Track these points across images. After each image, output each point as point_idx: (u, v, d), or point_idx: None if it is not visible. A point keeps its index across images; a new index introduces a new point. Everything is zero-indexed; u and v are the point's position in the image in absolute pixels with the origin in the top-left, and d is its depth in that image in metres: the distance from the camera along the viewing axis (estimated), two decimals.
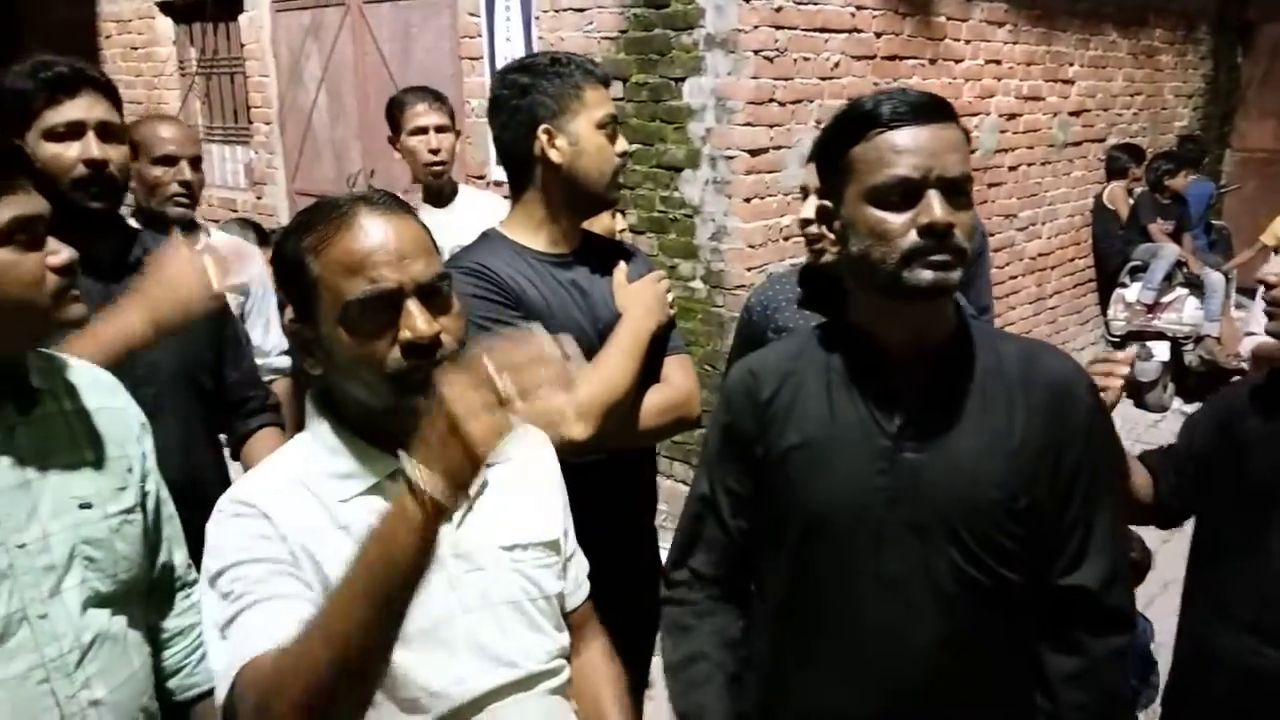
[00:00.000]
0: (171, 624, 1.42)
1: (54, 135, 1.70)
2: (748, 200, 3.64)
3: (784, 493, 1.34)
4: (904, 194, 1.19)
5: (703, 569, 1.45)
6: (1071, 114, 5.55)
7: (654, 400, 1.83)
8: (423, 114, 3.00)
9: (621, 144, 1.79)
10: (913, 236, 1.19)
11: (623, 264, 1.86)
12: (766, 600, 1.43)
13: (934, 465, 1.24)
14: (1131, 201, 5.95)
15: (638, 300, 1.81)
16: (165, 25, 6.17)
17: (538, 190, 1.76)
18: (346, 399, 1.16)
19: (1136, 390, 5.61)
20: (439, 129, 3.01)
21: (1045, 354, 1.33)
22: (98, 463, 1.27)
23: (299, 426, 3.01)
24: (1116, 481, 1.34)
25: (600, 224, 2.58)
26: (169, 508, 1.41)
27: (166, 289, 1.67)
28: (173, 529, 1.42)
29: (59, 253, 1.20)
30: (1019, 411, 1.25)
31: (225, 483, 2.09)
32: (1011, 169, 5.14)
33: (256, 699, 0.97)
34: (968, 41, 4.59)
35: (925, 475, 1.25)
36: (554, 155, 1.71)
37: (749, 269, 3.69)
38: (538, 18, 4.09)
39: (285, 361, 2.89)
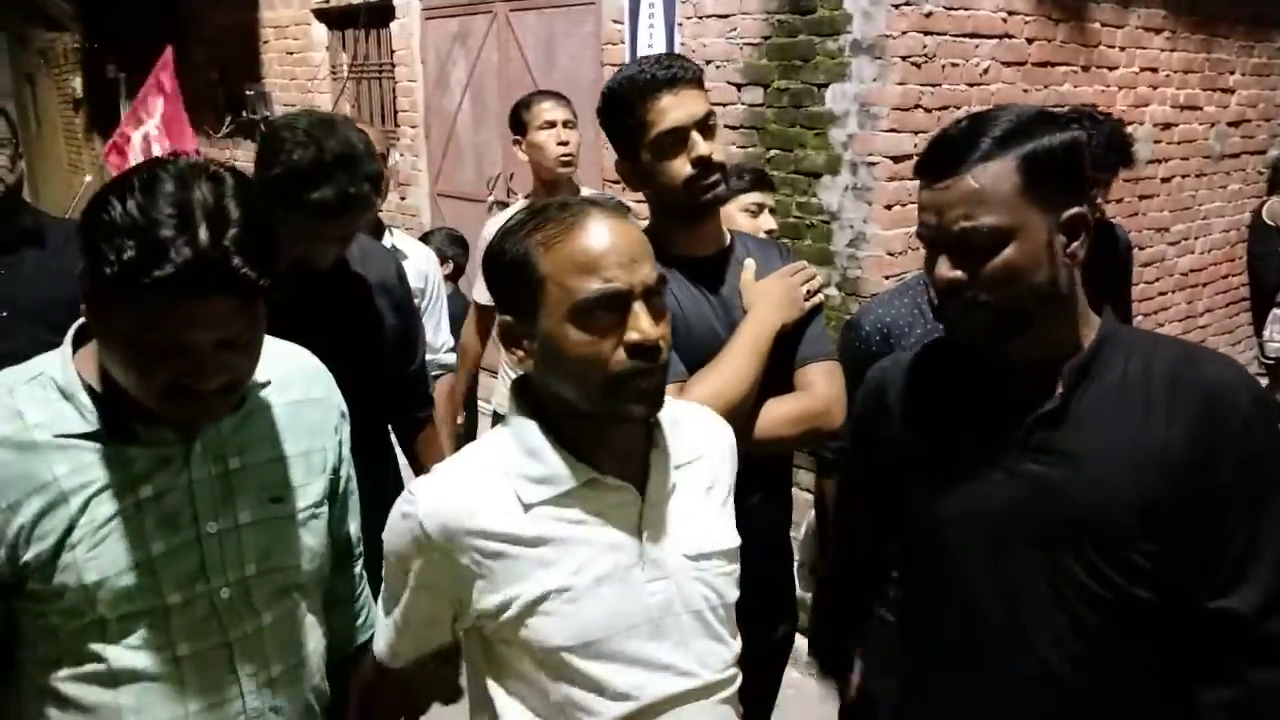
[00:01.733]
0: (343, 590, 1.51)
1: None
2: (889, 207, 3.60)
3: (912, 498, 1.34)
4: None
5: (865, 509, 1.50)
6: (1230, 124, 5.29)
7: (788, 409, 1.76)
8: (550, 110, 3.09)
9: (705, 147, 1.70)
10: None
11: (750, 261, 1.82)
12: (902, 600, 1.45)
13: (1058, 476, 1.21)
14: None
15: (765, 296, 1.76)
16: (320, 31, 6.46)
17: (653, 196, 1.80)
18: (553, 397, 1.18)
19: None
20: (566, 124, 3.08)
21: (1203, 359, 1.26)
22: (294, 457, 1.33)
23: (454, 421, 3.12)
24: None
25: (748, 224, 2.58)
26: (353, 483, 1.48)
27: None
28: (353, 503, 1.49)
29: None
30: (1159, 420, 1.19)
31: (395, 472, 2.24)
32: (1164, 180, 4.94)
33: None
34: (1123, 48, 4.43)
35: (1048, 486, 1.21)
36: (624, 167, 1.77)
37: (887, 277, 3.65)
38: (681, 24, 4.13)
39: (452, 359, 3.02)
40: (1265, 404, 1.23)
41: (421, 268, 2.90)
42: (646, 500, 1.19)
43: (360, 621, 1.55)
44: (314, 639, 1.37)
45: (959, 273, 1.19)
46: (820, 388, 1.79)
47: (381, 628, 1.30)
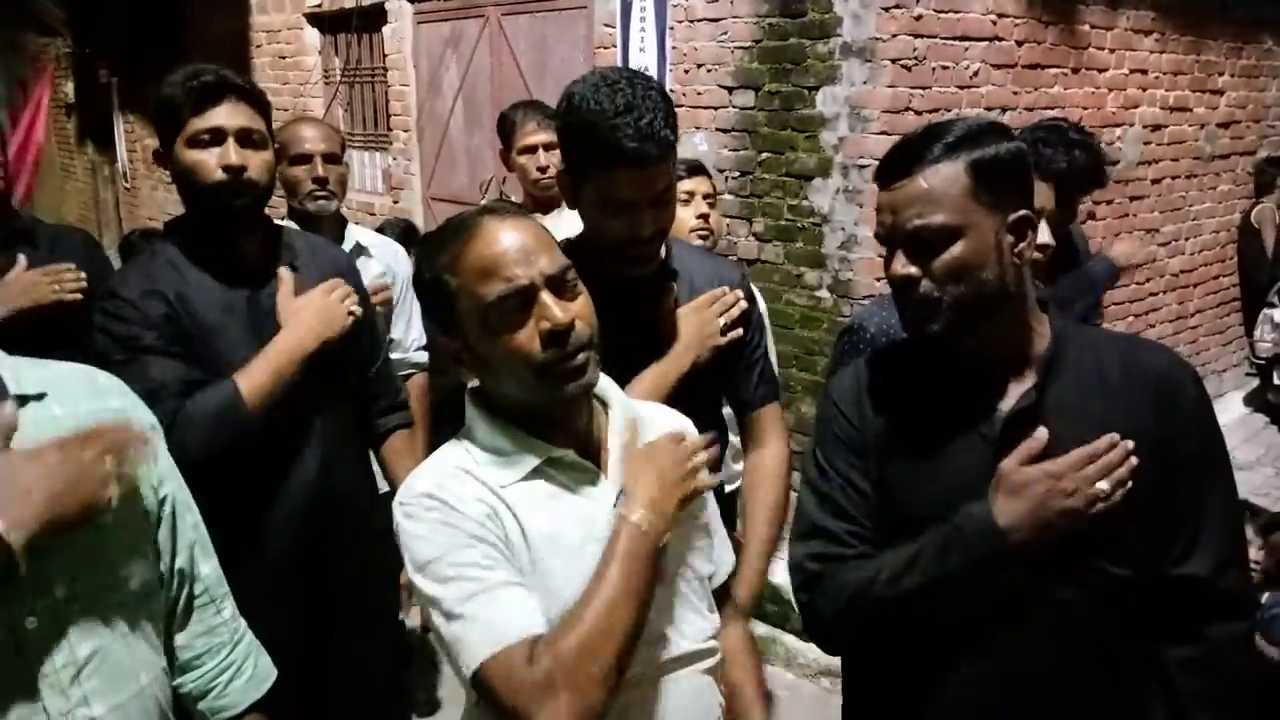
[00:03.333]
0: (197, 642, 1.34)
1: (197, 142, 1.80)
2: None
3: (889, 499, 1.38)
4: None
5: (827, 551, 1.44)
6: (1220, 125, 5.32)
7: (776, 497, 1.82)
8: (531, 133, 3.05)
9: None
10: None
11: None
12: None
13: None
14: None
15: (681, 333, 1.68)
16: (312, 36, 6.46)
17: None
18: (504, 398, 1.24)
19: None
20: (547, 146, 3.07)
21: (1145, 350, 1.38)
22: None
23: (429, 422, 3.10)
24: (1227, 468, 1.36)
25: (680, 213, 2.53)
26: (192, 516, 1.34)
27: (311, 322, 1.84)
28: (197, 537, 1.34)
29: None
30: (1121, 410, 1.29)
31: (372, 482, 2.17)
32: (1155, 182, 4.96)
33: (555, 667, 1.08)
34: (1112, 50, 4.45)
35: None
36: (567, 200, 1.67)
37: (878, 279, 3.66)
38: (672, 28, 4.14)
39: (423, 357, 3.00)
40: (1201, 384, 1.37)
41: (388, 262, 2.89)
42: (610, 476, 1.24)
43: (238, 677, 1.36)
44: (148, 675, 1.23)
45: (912, 268, 1.28)
46: (777, 444, 1.86)
47: (509, 613, 1.12)
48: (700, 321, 1.72)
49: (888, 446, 1.37)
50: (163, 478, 1.29)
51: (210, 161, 1.80)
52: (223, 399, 1.76)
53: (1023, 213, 1.29)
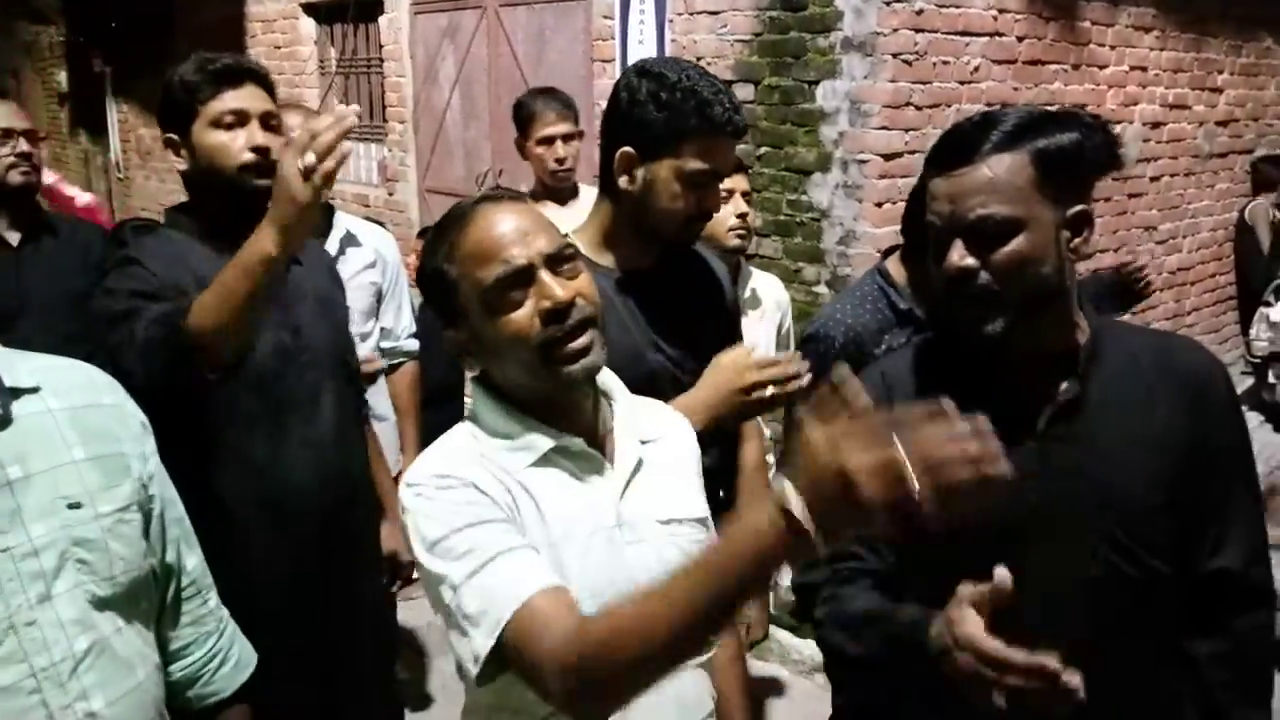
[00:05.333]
0: (185, 632, 1.35)
1: (220, 124, 1.79)
2: (879, 205, 3.59)
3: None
4: None
5: (849, 564, 1.45)
6: (1219, 124, 5.32)
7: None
8: (551, 124, 3.05)
9: (723, 203, 1.67)
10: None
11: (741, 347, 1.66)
12: (916, 599, 1.44)
13: (1084, 461, 1.27)
14: (1277, 215, 5.66)
15: (709, 386, 1.61)
16: (308, 26, 6.42)
17: (611, 203, 1.65)
18: (507, 384, 1.23)
19: (1278, 415, 5.35)
20: (565, 138, 3.06)
21: (1178, 345, 1.39)
22: (87, 460, 1.19)
23: (418, 409, 3.09)
24: (1252, 461, 1.37)
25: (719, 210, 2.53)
26: (175, 510, 1.35)
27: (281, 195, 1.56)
28: (182, 531, 1.35)
29: None
30: (1159, 406, 1.29)
31: (365, 470, 2.14)
32: (1153, 179, 4.96)
33: (585, 648, 1.00)
34: (1113, 47, 4.44)
35: (1075, 472, 1.27)
36: (622, 182, 1.59)
37: None
38: (671, 20, 4.12)
39: (414, 344, 2.98)
40: (1231, 382, 1.38)
41: (379, 249, 2.87)
42: (615, 467, 1.24)
43: (224, 664, 1.38)
44: (144, 670, 1.23)
45: (971, 260, 1.23)
46: (754, 441, 1.89)
47: (509, 581, 1.09)
48: (724, 386, 1.60)
49: None
50: (152, 475, 1.30)
51: (236, 143, 1.78)
52: (159, 314, 1.61)
53: (1081, 207, 1.25)
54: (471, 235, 1.19)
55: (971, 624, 1.12)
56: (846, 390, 0.91)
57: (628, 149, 1.58)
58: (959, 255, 1.23)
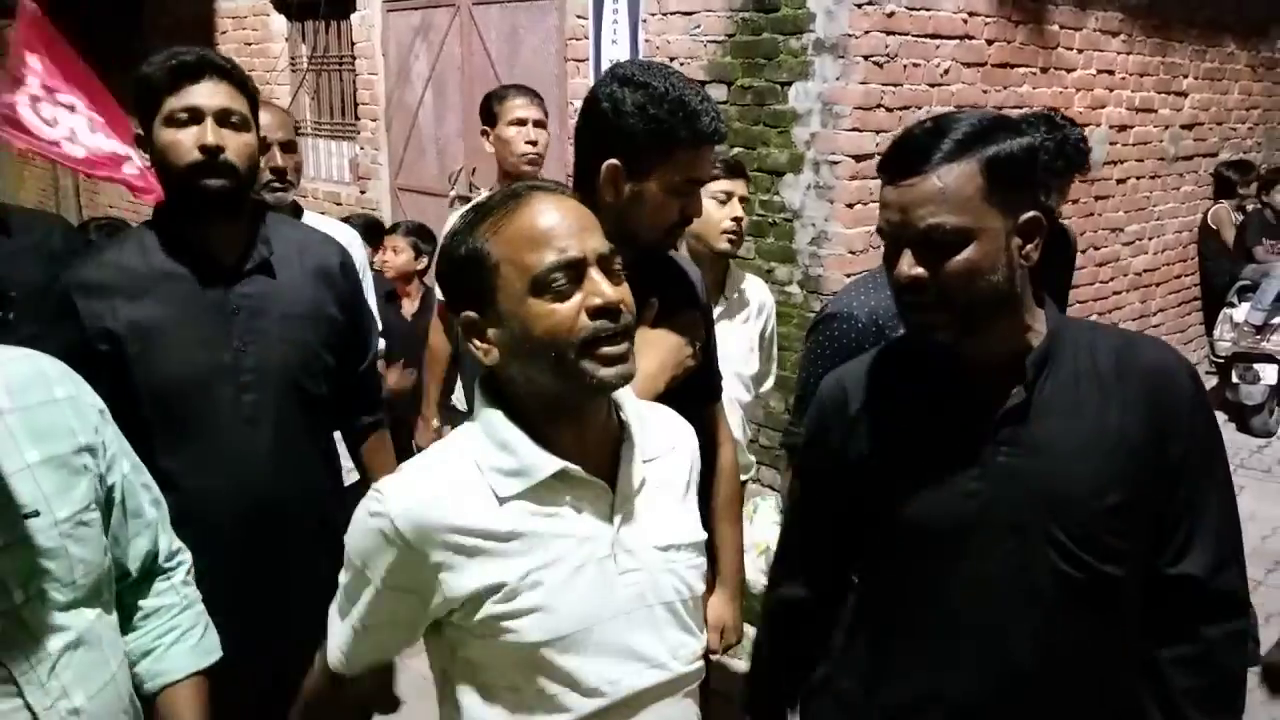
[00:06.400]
0: (147, 603, 1.35)
1: (174, 121, 1.74)
2: (850, 206, 3.62)
3: (879, 502, 1.36)
4: None
5: (802, 573, 1.51)
6: (1184, 127, 5.39)
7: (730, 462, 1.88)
8: (521, 106, 3.05)
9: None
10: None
11: (654, 301, 1.67)
12: (864, 601, 1.47)
13: (1029, 468, 1.26)
14: (1240, 219, 5.76)
15: (652, 356, 1.62)
16: (279, 22, 6.37)
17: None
18: (522, 385, 1.17)
19: (1241, 414, 5.43)
20: (537, 123, 3.05)
21: (1142, 345, 1.34)
22: (41, 463, 1.17)
23: (388, 410, 3.06)
24: (1224, 466, 1.33)
25: (716, 212, 2.56)
26: (152, 492, 1.34)
27: None
28: (157, 513, 1.35)
29: None
30: (1114, 407, 1.26)
31: (335, 486, 2.10)
32: (1120, 182, 5.02)
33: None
34: (1080, 50, 4.49)
35: (1020, 479, 1.26)
36: (607, 194, 1.57)
37: (848, 274, 3.66)
38: (645, 20, 4.13)
39: (380, 344, 2.97)
40: (1199, 381, 1.33)
41: (346, 248, 2.85)
42: (618, 493, 1.19)
43: (181, 642, 1.37)
44: (115, 661, 1.24)
45: (921, 270, 1.23)
46: (726, 445, 1.94)
47: (337, 634, 1.24)
48: (675, 342, 1.67)
49: (881, 455, 1.34)
50: (111, 463, 1.27)
51: (186, 141, 1.73)
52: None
53: (1032, 214, 1.25)
54: (525, 218, 1.14)
55: None
56: None
57: (614, 162, 1.55)
58: (908, 265, 1.23)
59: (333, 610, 1.26)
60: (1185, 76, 5.26)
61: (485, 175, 4.82)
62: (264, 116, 2.67)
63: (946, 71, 3.83)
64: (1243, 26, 5.57)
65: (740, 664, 3.39)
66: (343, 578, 1.22)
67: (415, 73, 5.47)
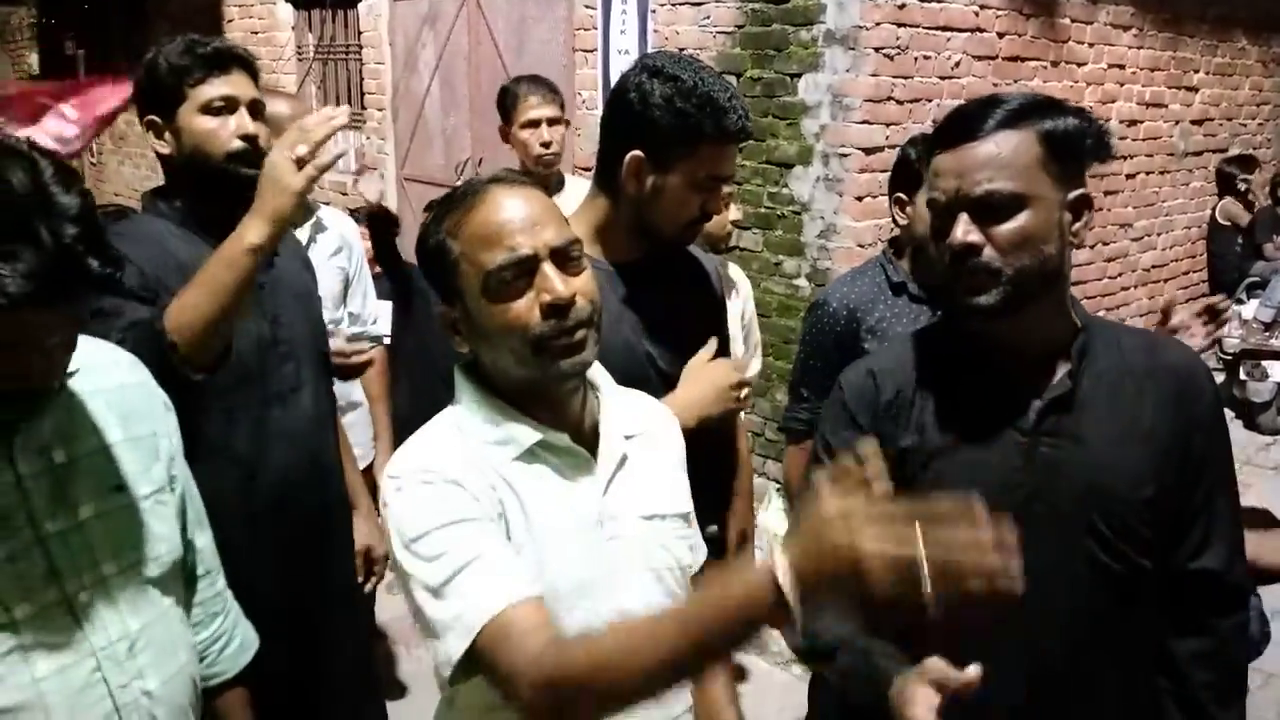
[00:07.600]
0: (197, 612, 1.36)
1: (209, 109, 1.75)
2: (859, 199, 3.61)
3: (917, 492, 1.33)
4: None
5: None
6: (1194, 122, 5.37)
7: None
8: (535, 107, 3.03)
9: (727, 210, 1.64)
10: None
11: (712, 343, 1.66)
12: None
13: (1071, 459, 1.27)
14: (1247, 216, 5.74)
15: (693, 393, 1.61)
16: (286, 11, 6.36)
17: (608, 199, 1.63)
18: (495, 372, 1.21)
19: (1249, 411, 5.42)
20: (551, 121, 3.03)
21: (1166, 344, 1.39)
22: (125, 442, 1.22)
23: (390, 396, 3.06)
24: (1232, 464, 1.37)
25: (717, 217, 2.57)
26: (193, 488, 1.37)
27: (269, 184, 1.55)
28: (195, 511, 1.37)
29: None
30: (1147, 402, 1.28)
31: (338, 462, 2.12)
32: (1129, 177, 5.00)
33: (559, 669, 0.99)
34: (1091, 45, 4.47)
35: (1063, 469, 1.27)
36: (629, 185, 1.57)
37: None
38: (654, 11, 4.11)
39: (382, 330, 2.97)
40: (1215, 384, 1.38)
41: (344, 235, 2.85)
42: (599, 462, 1.22)
43: (229, 645, 1.39)
44: (185, 652, 1.26)
45: (976, 235, 1.22)
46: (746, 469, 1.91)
47: (485, 588, 1.06)
48: (722, 383, 1.65)
49: (918, 447, 1.33)
50: (174, 455, 1.31)
51: (226, 130, 1.75)
52: (132, 323, 1.55)
53: (1082, 191, 1.25)
54: (479, 215, 1.16)
55: (922, 707, 1.14)
56: (870, 467, 0.89)
57: (638, 153, 1.54)
58: (964, 230, 1.22)
59: (423, 596, 1.10)
60: (1196, 71, 5.24)
61: (493, 165, 4.81)
62: (282, 106, 2.68)
63: (957, 64, 3.81)
64: (1254, 22, 5.54)
65: (739, 655, 3.40)
66: (423, 568, 1.09)
67: (422, 62, 5.46)
